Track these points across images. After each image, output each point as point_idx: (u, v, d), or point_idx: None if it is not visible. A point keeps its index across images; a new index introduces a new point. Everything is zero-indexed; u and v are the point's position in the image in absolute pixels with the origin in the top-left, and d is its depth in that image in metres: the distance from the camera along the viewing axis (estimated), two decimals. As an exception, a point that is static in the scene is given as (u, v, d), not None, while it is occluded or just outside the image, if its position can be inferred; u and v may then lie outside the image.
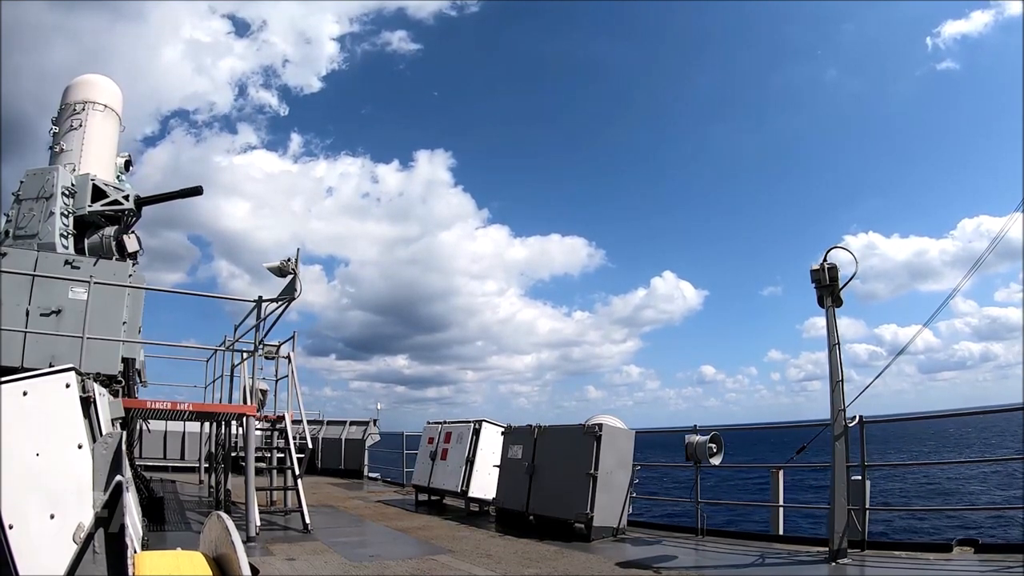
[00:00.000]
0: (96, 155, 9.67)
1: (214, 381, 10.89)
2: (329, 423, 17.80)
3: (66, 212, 8.83)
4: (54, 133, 9.74)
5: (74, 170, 9.21)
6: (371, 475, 16.29)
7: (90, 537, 2.32)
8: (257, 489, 7.98)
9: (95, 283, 7.20)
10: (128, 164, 10.57)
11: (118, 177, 10.19)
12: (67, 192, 8.89)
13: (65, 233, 8.73)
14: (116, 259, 9.05)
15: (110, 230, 9.40)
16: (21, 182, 8.83)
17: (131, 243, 9.44)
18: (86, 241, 9.21)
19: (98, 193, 9.32)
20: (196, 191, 10.42)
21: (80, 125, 9.61)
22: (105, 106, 9.98)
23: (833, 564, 5.85)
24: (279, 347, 9.79)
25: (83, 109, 9.72)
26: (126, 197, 9.61)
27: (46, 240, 8.42)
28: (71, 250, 8.69)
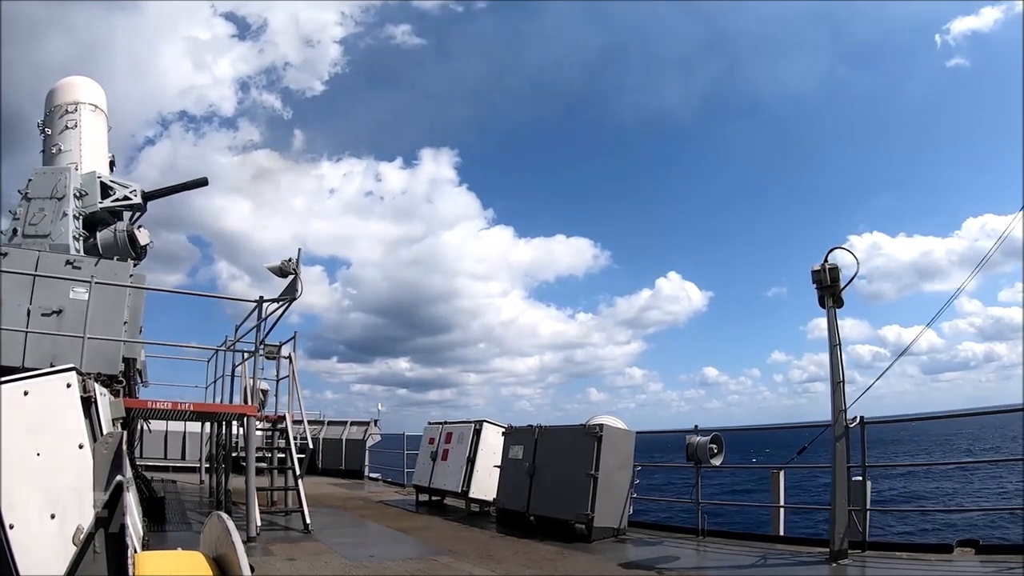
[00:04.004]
0: (94, 154, 9.69)
1: (215, 381, 10.90)
2: (330, 423, 17.81)
3: (77, 214, 8.85)
4: (47, 134, 9.72)
5: (76, 169, 9.22)
6: (372, 475, 16.29)
7: (91, 537, 2.32)
8: (258, 489, 7.98)
9: (96, 283, 7.21)
10: (112, 164, 10.56)
11: None
12: (78, 193, 8.91)
13: (77, 235, 8.76)
14: (129, 254, 9.09)
15: (122, 225, 9.45)
16: (29, 180, 8.83)
17: (143, 236, 9.49)
18: (98, 236, 9.24)
19: (103, 190, 9.34)
20: (202, 182, 10.42)
21: (75, 125, 9.62)
22: (95, 106, 10.01)
23: (834, 565, 5.84)
24: (280, 347, 9.79)
25: (75, 109, 9.72)
26: (133, 192, 9.63)
27: (59, 241, 8.45)
28: (82, 251, 8.70)
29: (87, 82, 10.32)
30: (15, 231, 8.52)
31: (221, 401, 10.27)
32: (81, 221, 8.95)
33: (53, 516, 2.80)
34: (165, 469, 14.92)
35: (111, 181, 9.54)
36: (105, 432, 3.52)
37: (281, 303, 8.39)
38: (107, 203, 9.27)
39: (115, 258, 8.44)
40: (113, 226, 9.44)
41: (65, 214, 8.63)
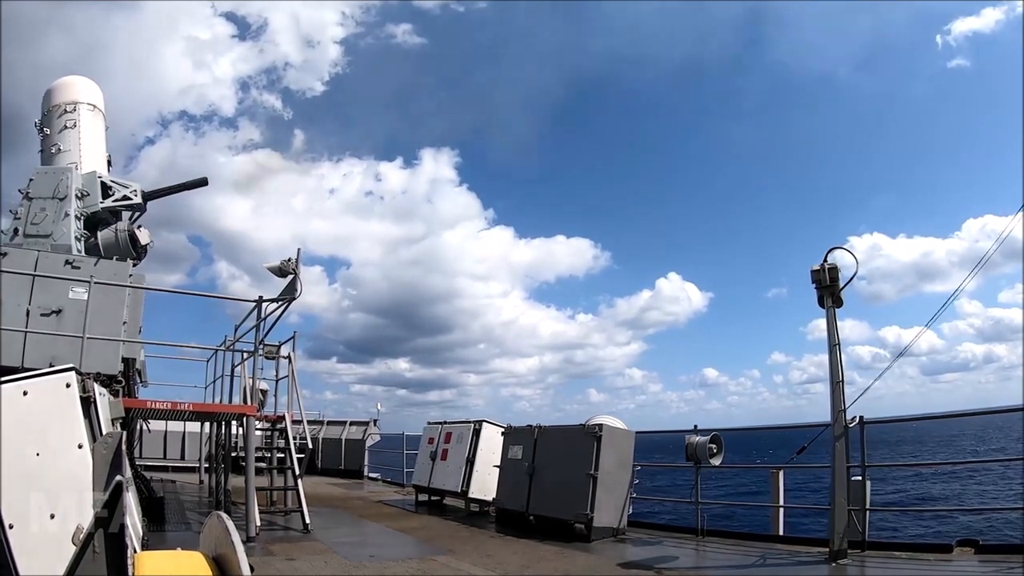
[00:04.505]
0: (93, 153, 9.69)
1: (214, 381, 10.90)
2: (329, 423, 17.82)
3: (79, 214, 8.85)
4: (45, 134, 9.70)
5: (76, 168, 9.22)
6: (371, 475, 16.30)
7: (90, 537, 2.32)
8: (257, 489, 7.98)
9: (95, 283, 7.21)
10: (109, 163, 10.57)
11: None
12: (80, 194, 8.91)
13: (79, 236, 8.75)
14: (130, 254, 9.09)
15: (123, 224, 9.45)
16: (30, 180, 8.82)
17: (143, 235, 9.50)
18: (99, 236, 9.24)
19: (103, 190, 9.35)
20: (201, 182, 10.43)
21: (74, 125, 9.61)
22: (93, 106, 10.01)
23: (833, 564, 5.84)
24: (279, 347, 9.79)
25: (74, 109, 9.71)
26: (133, 192, 9.63)
27: (61, 242, 8.44)
28: (83, 251, 8.71)
29: (85, 82, 10.31)
30: (16, 231, 8.50)
31: (220, 401, 10.27)
32: (83, 222, 8.96)
33: (53, 516, 2.81)
34: (164, 469, 14.92)
35: (111, 181, 9.55)
36: (104, 432, 3.51)
37: (280, 303, 8.39)
38: (108, 203, 9.28)
39: (114, 258, 8.45)
40: (114, 226, 9.45)
41: (67, 214, 8.62)
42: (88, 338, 6.89)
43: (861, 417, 6.32)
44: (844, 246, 6.42)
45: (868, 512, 6.40)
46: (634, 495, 8.29)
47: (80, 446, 3.15)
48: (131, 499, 3.54)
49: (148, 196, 9.95)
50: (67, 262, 7.87)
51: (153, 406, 7.81)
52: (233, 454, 9.57)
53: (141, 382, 9.98)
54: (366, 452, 16.57)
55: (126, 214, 9.96)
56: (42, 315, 7.32)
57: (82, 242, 8.86)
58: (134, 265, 8.90)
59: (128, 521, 2.37)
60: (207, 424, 12.17)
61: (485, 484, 10.02)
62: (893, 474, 24.54)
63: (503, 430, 10.00)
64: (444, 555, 6.77)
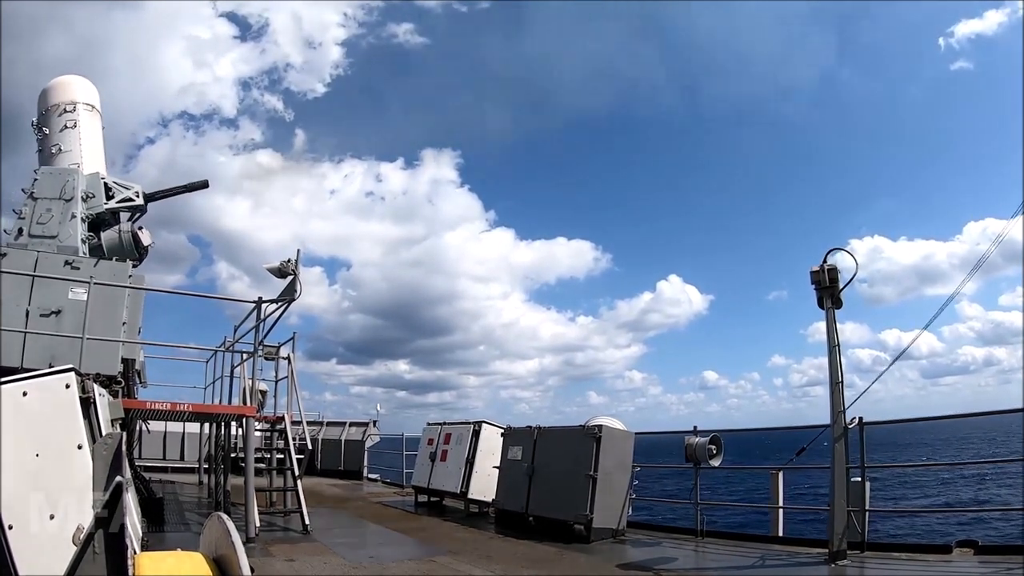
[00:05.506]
0: (93, 153, 9.69)
1: (214, 382, 10.90)
2: (329, 424, 17.81)
3: (85, 216, 8.85)
4: (44, 134, 9.68)
5: (79, 169, 9.22)
6: (371, 476, 16.29)
7: (90, 537, 2.32)
8: (257, 490, 7.98)
9: (95, 283, 7.20)
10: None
11: None
12: (85, 196, 8.90)
13: (84, 238, 8.75)
14: (134, 255, 9.10)
15: (126, 226, 9.46)
16: (35, 180, 8.80)
17: (145, 236, 9.51)
18: (103, 236, 9.23)
19: (105, 191, 9.36)
20: (202, 185, 10.44)
21: (74, 125, 9.59)
22: (91, 106, 10.00)
23: (833, 565, 5.85)
24: (279, 348, 9.79)
25: (73, 109, 9.69)
26: (136, 193, 9.64)
27: (68, 243, 8.41)
28: (88, 253, 8.70)
29: (82, 81, 10.31)
30: (20, 230, 8.48)
31: (220, 402, 10.27)
32: (87, 224, 8.96)
33: (52, 516, 2.80)
34: (164, 470, 14.90)
35: (113, 182, 9.55)
36: (104, 433, 3.51)
37: (280, 304, 8.39)
38: (111, 204, 9.29)
39: (114, 259, 8.44)
40: (117, 227, 9.45)
41: (74, 215, 8.60)
42: (88, 339, 6.89)
43: (860, 418, 6.33)
44: (844, 248, 6.44)
45: (867, 513, 6.41)
46: (633, 496, 8.29)
47: (80, 447, 3.14)
48: (131, 500, 3.54)
49: (149, 197, 9.95)
50: (66, 262, 7.86)
51: (152, 407, 7.81)
52: (232, 455, 9.57)
53: (141, 383, 9.98)
54: (366, 453, 16.56)
55: (125, 214, 9.97)
56: (42, 315, 7.31)
57: (87, 244, 8.86)
58: (135, 266, 8.90)
59: (128, 521, 2.37)
60: (206, 425, 12.16)
61: (484, 485, 10.02)
62: (919, 478, 24.55)
63: (502, 431, 10.00)
64: (444, 556, 6.77)
